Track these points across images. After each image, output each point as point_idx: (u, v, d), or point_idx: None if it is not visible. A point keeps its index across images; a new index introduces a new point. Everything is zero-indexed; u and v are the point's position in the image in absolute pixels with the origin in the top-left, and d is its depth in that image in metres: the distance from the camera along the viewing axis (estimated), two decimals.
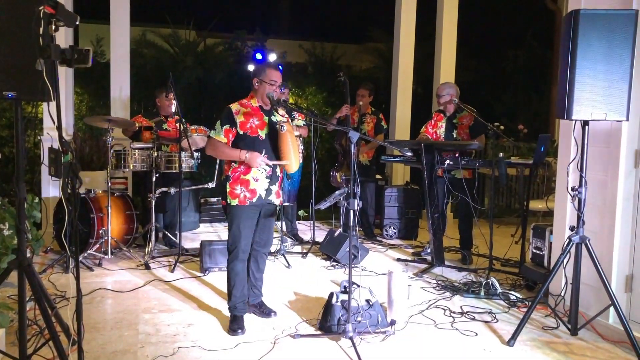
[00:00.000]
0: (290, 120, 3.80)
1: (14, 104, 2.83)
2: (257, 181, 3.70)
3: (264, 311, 3.95)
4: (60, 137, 2.66)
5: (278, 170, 3.79)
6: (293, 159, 3.68)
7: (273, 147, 3.71)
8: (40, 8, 2.49)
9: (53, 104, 2.69)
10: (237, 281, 3.74)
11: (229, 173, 3.73)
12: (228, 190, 3.71)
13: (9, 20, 2.68)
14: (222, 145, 3.65)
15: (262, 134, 3.70)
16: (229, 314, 3.79)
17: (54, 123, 2.60)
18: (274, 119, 3.75)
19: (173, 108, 5.81)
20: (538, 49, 11.11)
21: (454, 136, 5.60)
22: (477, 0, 10.48)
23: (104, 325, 3.71)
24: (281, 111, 3.79)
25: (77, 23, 2.67)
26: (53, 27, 2.55)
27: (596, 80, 3.34)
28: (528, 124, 9.08)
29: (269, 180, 3.74)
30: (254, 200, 3.70)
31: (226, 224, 4.11)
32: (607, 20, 3.30)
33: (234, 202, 3.69)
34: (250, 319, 3.84)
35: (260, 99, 3.73)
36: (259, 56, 8.59)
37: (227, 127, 3.64)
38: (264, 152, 3.67)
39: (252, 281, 3.93)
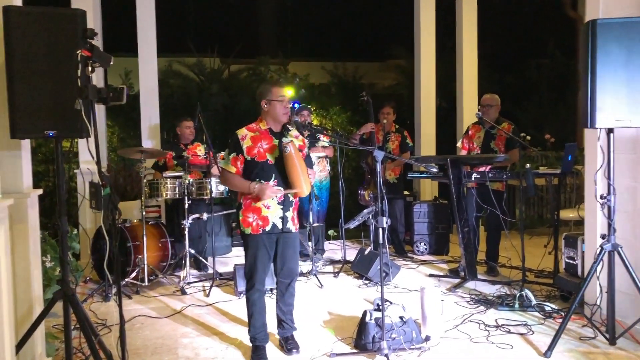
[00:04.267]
0: (308, 140, 3.72)
1: (55, 141, 3.01)
2: (269, 208, 3.57)
3: (287, 346, 3.75)
4: (100, 171, 2.82)
5: (291, 195, 3.65)
6: (303, 183, 3.54)
7: (283, 171, 3.57)
8: (78, 52, 2.67)
9: (91, 139, 2.86)
10: (255, 311, 3.65)
11: (241, 200, 3.64)
12: (241, 218, 3.61)
13: (47, 63, 2.87)
14: (232, 176, 3.58)
15: (271, 157, 3.57)
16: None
17: (93, 158, 2.76)
18: (286, 140, 3.59)
19: (193, 136, 6.15)
20: (561, 58, 11.06)
21: (492, 147, 5.65)
22: (497, 11, 10.53)
23: (144, 351, 3.82)
24: (293, 132, 3.71)
25: (111, 63, 2.83)
26: (89, 68, 2.72)
27: (618, 88, 3.38)
28: (555, 133, 9.02)
29: (281, 206, 3.60)
30: (267, 228, 3.58)
31: None
32: (624, 28, 3.35)
33: (248, 231, 3.60)
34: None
35: (271, 121, 3.63)
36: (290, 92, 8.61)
37: (234, 155, 3.56)
38: (273, 178, 3.55)
39: (280, 315, 3.80)
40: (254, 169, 3.56)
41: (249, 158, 3.56)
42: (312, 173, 3.72)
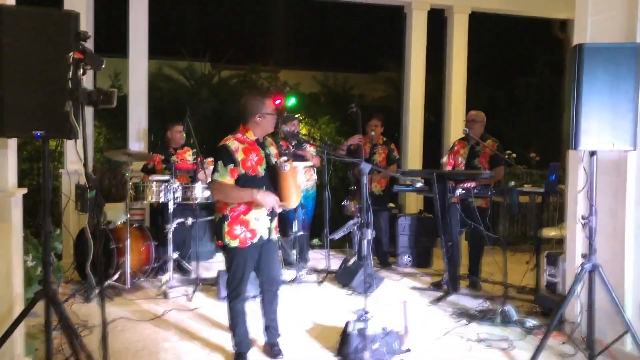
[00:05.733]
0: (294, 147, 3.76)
1: (42, 142, 3.00)
2: (258, 220, 3.59)
3: (273, 352, 3.81)
4: (87, 174, 2.81)
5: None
6: (294, 197, 3.62)
7: (272, 183, 3.59)
8: (70, 54, 2.67)
9: (79, 141, 2.85)
10: (240, 320, 3.68)
11: (226, 212, 3.56)
12: (226, 230, 3.55)
13: (39, 64, 2.86)
14: (230, 187, 3.49)
15: (261, 170, 3.58)
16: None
17: (81, 161, 2.75)
18: (267, 151, 3.66)
19: (183, 140, 6.14)
20: (549, 77, 11.20)
21: (475, 164, 5.71)
22: (487, 28, 10.65)
23: (125, 354, 3.81)
24: (269, 140, 3.75)
25: (103, 66, 2.83)
26: (81, 71, 2.72)
27: (602, 111, 3.44)
28: (540, 152, 9.10)
29: (269, 217, 3.65)
30: (255, 240, 3.60)
31: None
32: (611, 53, 3.42)
33: (234, 244, 3.56)
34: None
35: (259, 132, 3.61)
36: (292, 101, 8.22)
37: (231, 166, 3.49)
38: (264, 189, 3.53)
39: (266, 322, 3.83)
40: (245, 181, 3.53)
41: (243, 172, 3.53)
42: (301, 185, 3.78)
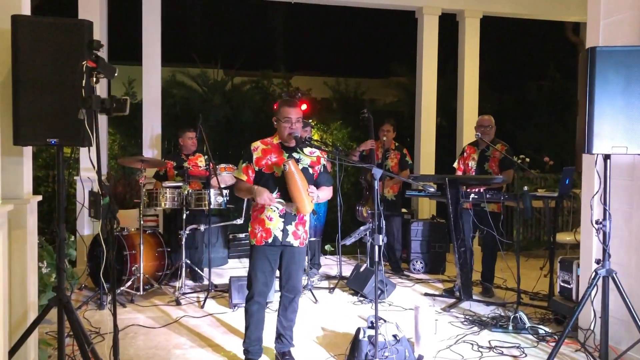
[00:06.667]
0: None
1: (57, 149, 3.04)
2: (271, 220, 3.65)
3: None
4: (100, 181, 2.85)
5: (293, 210, 3.66)
6: (305, 200, 3.55)
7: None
8: (84, 62, 2.71)
9: (92, 148, 2.89)
10: (252, 322, 3.70)
11: (253, 212, 3.76)
12: (250, 229, 3.74)
13: (53, 72, 2.91)
14: (240, 182, 3.73)
15: (278, 171, 3.62)
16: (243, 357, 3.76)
17: (94, 168, 2.79)
18: (296, 156, 3.69)
19: (195, 147, 6.20)
20: (561, 80, 11.13)
21: (485, 168, 5.69)
22: (499, 31, 10.61)
23: None
24: (307, 150, 3.76)
25: (116, 74, 2.87)
26: (94, 79, 2.76)
27: (616, 115, 3.41)
28: (554, 156, 9.07)
29: (283, 219, 3.66)
30: (269, 240, 3.64)
31: None
32: (623, 56, 3.39)
33: (253, 242, 3.71)
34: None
35: (281, 137, 3.70)
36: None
37: (245, 164, 3.71)
38: (277, 190, 3.60)
39: (280, 329, 3.81)
40: (260, 179, 3.67)
41: (257, 169, 3.69)
42: (313, 190, 3.63)
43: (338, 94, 10.93)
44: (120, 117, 8.84)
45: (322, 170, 3.81)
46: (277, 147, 3.72)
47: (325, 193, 3.78)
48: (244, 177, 3.71)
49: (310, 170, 3.74)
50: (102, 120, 7.10)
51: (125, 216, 6.34)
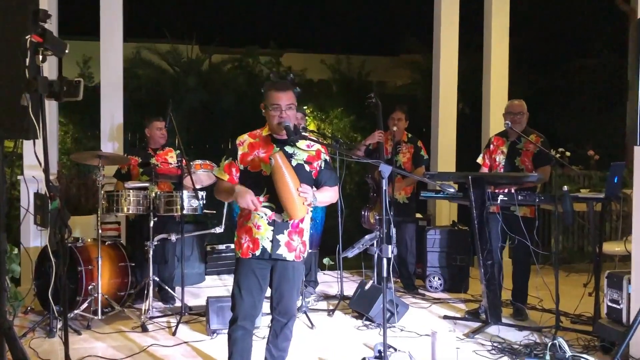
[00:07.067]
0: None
1: None
2: (259, 229, 3.58)
3: None
4: (48, 180, 2.83)
5: (285, 217, 3.58)
6: (295, 202, 3.42)
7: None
8: (27, 37, 2.68)
9: (38, 141, 2.87)
10: (235, 352, 3.64)
11: (239, 219, 3.73)
12: (235, 239, 3.71)
13: None
14: (220, 182, 3.70)
15: (266, 169, 3.53)
16: None
17: (40, 165, 2.77)
18: (289, 150, 3.62)
19: (164, 139, 6.16)
20: (610, 58, 11.13)
21: (516, 164, 5.67)
22: (533, 1, 10.63)
23: None
24: (303, 143, 3.67)
25: (67, 51, 2.85)
26: (40, 57, 2.74)
27: None
28: (600, 149, 9.09)
29: (272, 228, 3.58)
30: (257, 253, 3.58)
31: None
32: None
33: (238, 254, 3.67)
34: None
35: (270, 128, 3.63)
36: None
37: (227, 161, 3.68)
38: (265, 192, 3.54)
39: (268, 358, 3.78)
40: (246, 180, 3.60)
41: (242, 167, 3.64)
42: (306, 190, 3.49)
43: (338, 75, 10.93)
44: (73, 103, 8.85)
45: (323, 166, 3.71)
46: (267, 140, 3.65)
47: (327, 195, 3.69)
48: (226, 177, 3.67)
49: (308, 167, 3.64)
50: (52, 106, 7.08)
51: (79, 224, 6.33)
